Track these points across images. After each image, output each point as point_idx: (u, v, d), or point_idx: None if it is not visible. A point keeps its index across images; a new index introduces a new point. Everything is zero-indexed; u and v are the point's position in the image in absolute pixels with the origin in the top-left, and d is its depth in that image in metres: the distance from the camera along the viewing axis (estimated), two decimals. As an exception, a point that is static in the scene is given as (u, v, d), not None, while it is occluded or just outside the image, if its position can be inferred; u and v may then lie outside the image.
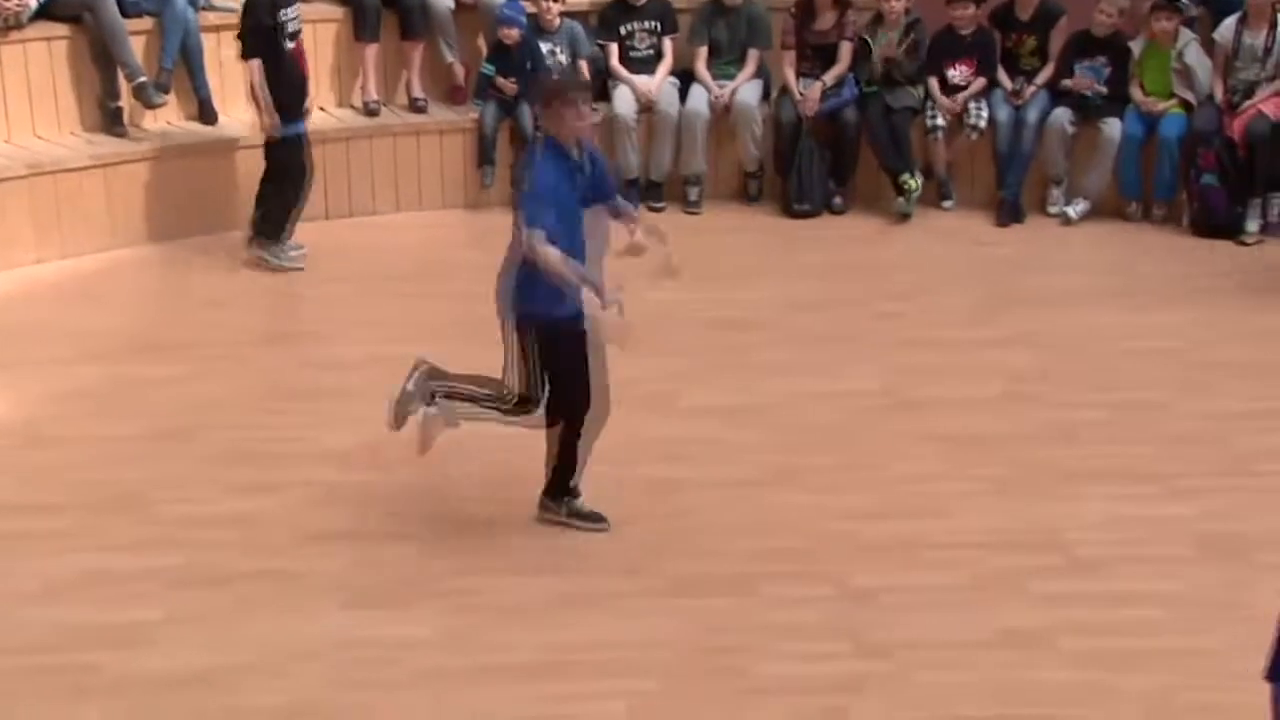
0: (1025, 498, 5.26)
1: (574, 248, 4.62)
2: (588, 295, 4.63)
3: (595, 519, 4.99)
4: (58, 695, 4.09)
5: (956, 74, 8.26)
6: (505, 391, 4.84)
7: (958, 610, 4.57)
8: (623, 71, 8.30)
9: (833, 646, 4.39)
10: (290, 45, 6.95)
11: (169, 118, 7.77)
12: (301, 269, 7.14)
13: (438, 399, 4.93)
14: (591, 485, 5.19)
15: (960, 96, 8.19)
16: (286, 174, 7.10)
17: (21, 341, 6.31)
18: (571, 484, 4.97)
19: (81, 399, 5.77)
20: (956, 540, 4.95)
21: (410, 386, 4.92)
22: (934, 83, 8.22)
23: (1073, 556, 4.88)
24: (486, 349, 6.30)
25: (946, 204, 8.32)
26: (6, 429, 5.53)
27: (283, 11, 6.90)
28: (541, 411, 4.84)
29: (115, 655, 4.25)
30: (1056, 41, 8.28)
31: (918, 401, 5.98)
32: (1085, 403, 5.98)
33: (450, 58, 8.30)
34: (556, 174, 4.63)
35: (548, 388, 4.79)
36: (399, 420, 4.93)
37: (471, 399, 4.92)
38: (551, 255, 4.49)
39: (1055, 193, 8.23)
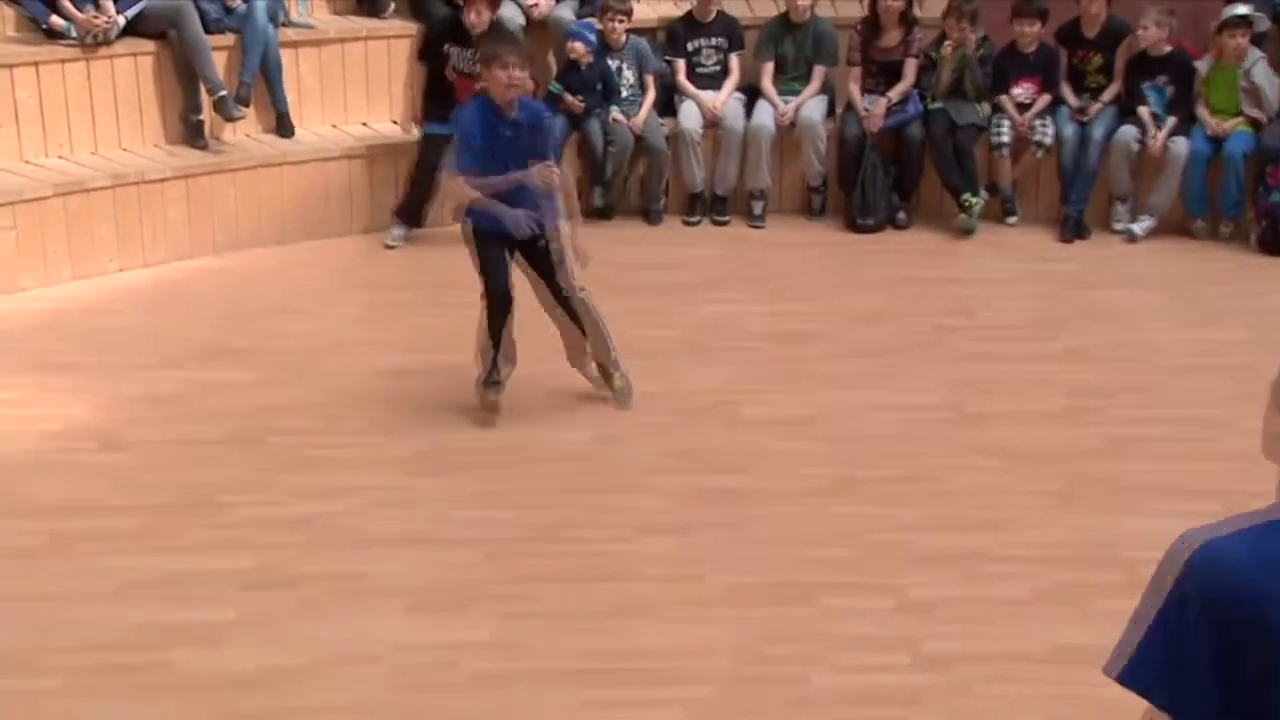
0: (1086, 513, 5.16)
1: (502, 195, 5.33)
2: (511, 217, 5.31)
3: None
4: (132, 692, 4.11)
5: (1021, 92, 8.17)
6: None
7: (1016, 624, 4.48)
8: (689, 87, 8.28)
9: (890, 658, 4.32)
10: (453, 76, 7.53)
11: (248, 130, 7.85)
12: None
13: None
14: (653, 493, 5.19)
15: (1026, 115, 8.10)
16: (427, 167, 7.53)
17: (102, 347, 6.38)
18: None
19: (158, 404, 5.83)
20: (1016, 554, 4.87)
21: None
22: (1005, 99, 8.13)
23: (1134, 574, 4.74)
24: (539, 356, 6.31)
25: (1011, 220, 8.21)
26: (86, 432, 5.59)
27: (448, 46, 7.52)
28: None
29: (187, 654, 4.27)
30: (1124, 59, 8.16)
31: (978, 415, 5.90)
32: (1147, 418, 5.86)
33: (521, 74, 8.31)
34: (478, 126, 5.30)
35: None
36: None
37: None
38: (462, 191, 5.30)
39: (1120, 209, 8.10)
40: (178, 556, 4.77)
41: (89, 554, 4.79)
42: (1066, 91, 8.19)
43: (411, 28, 8.19)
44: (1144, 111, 8.01)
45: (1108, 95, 8.14)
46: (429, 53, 7.68)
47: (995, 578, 4.74)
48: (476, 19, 7.38)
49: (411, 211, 7.69)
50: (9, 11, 7.50)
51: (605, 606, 4.55)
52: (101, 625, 4.39)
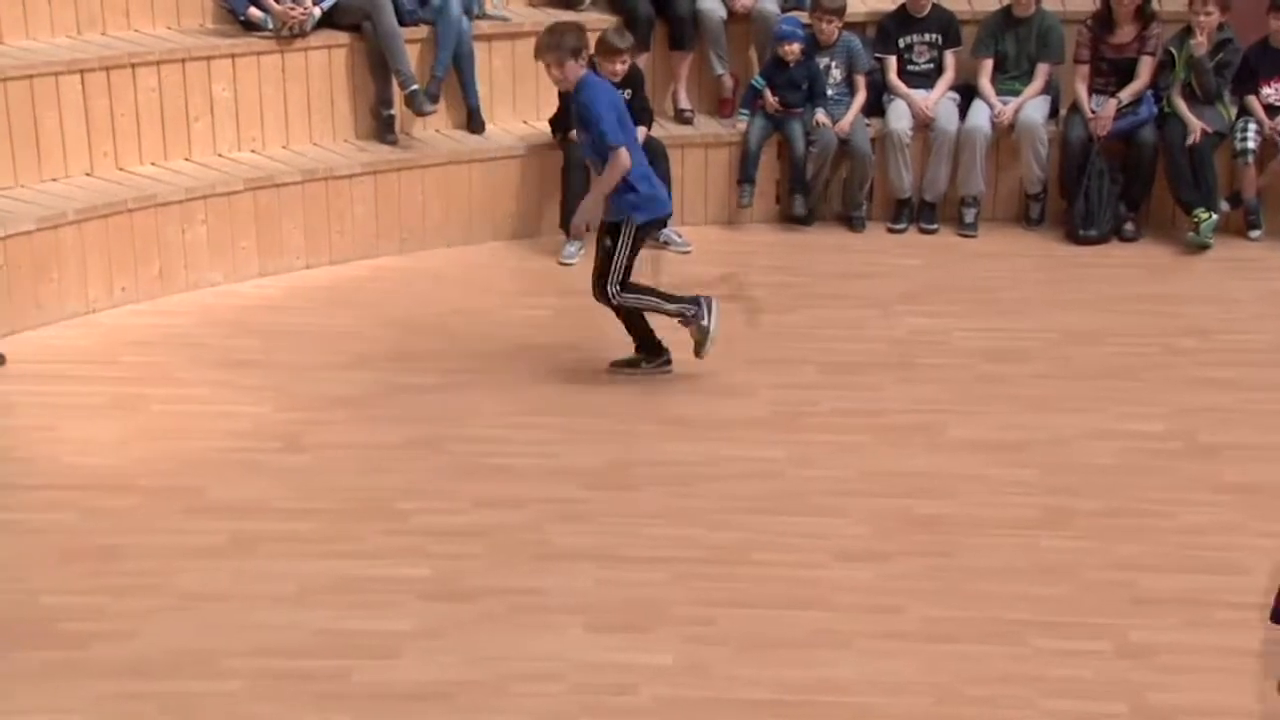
0: (1331, 559, 4.94)
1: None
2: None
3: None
4: (309, 701, 4.25)
5: (1272, 92, 7.88)
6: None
7: (1251, 677, 4.32)
8: (900, 86, 8.20)
9: (1106, 707, 4.22)
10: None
11: (438, 125, 8.06)
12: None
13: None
14: (850, 516, 5.17)
15: (1277, 119, 7.81)
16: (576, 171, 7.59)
17: (288, 346, 6.61)
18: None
19: (340, 405, 6.01)
20: (1251, 600, 4.69)
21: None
22: (1253, 100, 7.86)
23: (1384, 627, 4.55)
24: (721, 363, 6.32)
25: (1254, 234, 7.93)
26: (271, 433, 5.80)
27: None
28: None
29: (363, 664, 4.40)
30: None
31: (1209, 446, 5.71)
32: (1405, 457, 5.60)
33: (720, 70, 8.35)
34: (610, 94, 5.91)
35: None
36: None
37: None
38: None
39: (1379, 224, 7.76)
40: (356, 563, 4.93)
41: (269, 555, 4.97)
42: (1322, 93, 7.88)
43: (608, 21, 8.30)
44: None
45: (1370, 97, 7.81)
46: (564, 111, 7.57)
47: (1226, 625, 4.59)
48: (622, 68, 7.25)
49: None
50: (207, 4, 7.85)
51: (796, 635, 4.54)
52: (280, 630, 4.56)
